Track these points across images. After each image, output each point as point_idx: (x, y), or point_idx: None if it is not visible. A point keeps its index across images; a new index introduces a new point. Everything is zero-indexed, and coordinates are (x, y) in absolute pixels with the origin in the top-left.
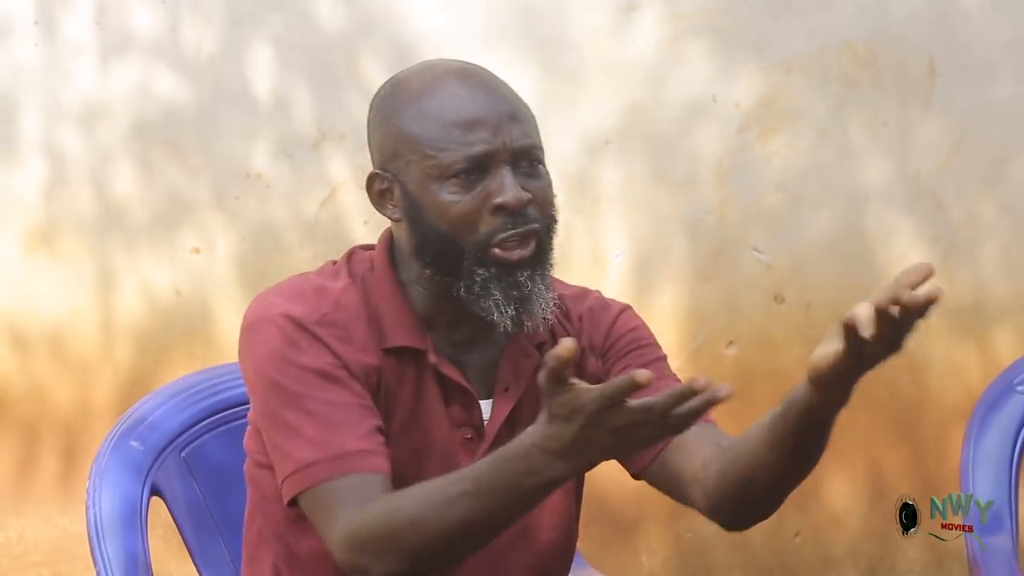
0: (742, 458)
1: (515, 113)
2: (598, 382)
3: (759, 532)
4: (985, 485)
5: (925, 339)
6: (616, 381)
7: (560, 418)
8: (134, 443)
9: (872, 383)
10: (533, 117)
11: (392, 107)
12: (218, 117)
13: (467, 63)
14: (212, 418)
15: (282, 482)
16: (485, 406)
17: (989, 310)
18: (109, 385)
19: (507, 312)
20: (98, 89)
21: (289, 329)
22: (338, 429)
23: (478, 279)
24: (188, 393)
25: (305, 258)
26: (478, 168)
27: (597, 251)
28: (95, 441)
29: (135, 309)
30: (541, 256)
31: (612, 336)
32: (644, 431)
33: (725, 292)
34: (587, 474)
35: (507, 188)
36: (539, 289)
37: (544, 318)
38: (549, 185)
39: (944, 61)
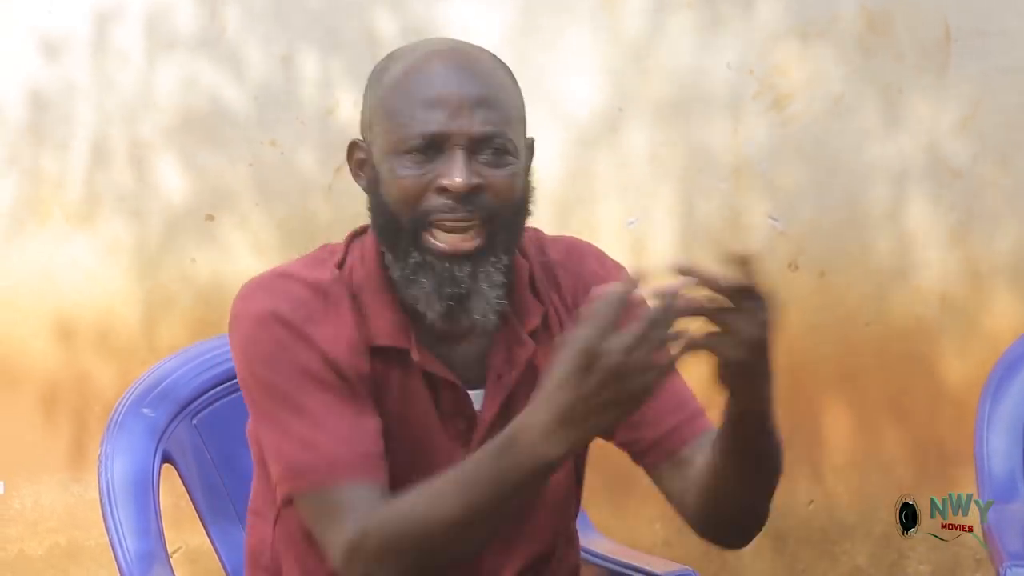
0: (706, 472)
1: (485, 98)
2: None
3: (773, 500)
4: (1000, 449)
5: (940, 306)
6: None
7: (580, 370)
8: (146, 410)
9: (890, 352)
10: (513, 106)
11: (378, 79)
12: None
13: (465, 44)
14: (224, 385)
15: (277, 482)
16: (477, 396)
17: (1005, 277)
18: (146, 365)
19: (435, 306)
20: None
21: (276, 328)
22: (331, 432)
23: (411, 262)
24: (199, 360)
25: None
26: (433, 147)
27: (613, 219)
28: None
29: (175, 289)
30: (489, 251)
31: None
32: (643, 377)
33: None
34: (603, 441)
35: (453, 171)
36: (480, 288)
37: (486, 317)
38: (514, 176)
39: (960, 27)
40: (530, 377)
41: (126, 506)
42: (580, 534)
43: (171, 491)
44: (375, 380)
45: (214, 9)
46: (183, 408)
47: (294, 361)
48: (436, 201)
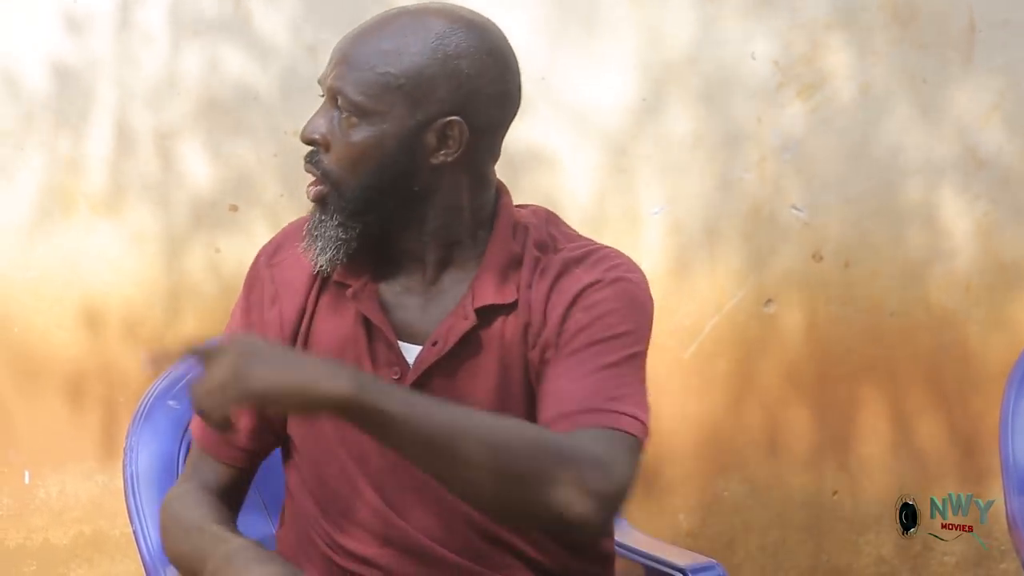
0: None
1: (347, 55)
2: (542, 363)
3: (797, 490)
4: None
5: (966, 296)
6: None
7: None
8: (172, 402)
9: (915, 343)
10: (382, 71)
11: None
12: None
13: (417, 7)
14: None
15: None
16: (412, 351)
17: None
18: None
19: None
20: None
21: (250, 270)
22: None
23: None
24: None
25: None
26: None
27: (634, 209)
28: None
29: (200, 279)
30: (321, 208)
31: (567, 319)
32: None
33: (763, 250)
34: None
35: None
36: (314, 237)
37: (321, 268)
38: (354, 138)
39: (984, 17)
40: (469, 351)
41: (150, 498)
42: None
43: None
44: (321, 313)
45: None
46: None
47: (233, 320)
48: None
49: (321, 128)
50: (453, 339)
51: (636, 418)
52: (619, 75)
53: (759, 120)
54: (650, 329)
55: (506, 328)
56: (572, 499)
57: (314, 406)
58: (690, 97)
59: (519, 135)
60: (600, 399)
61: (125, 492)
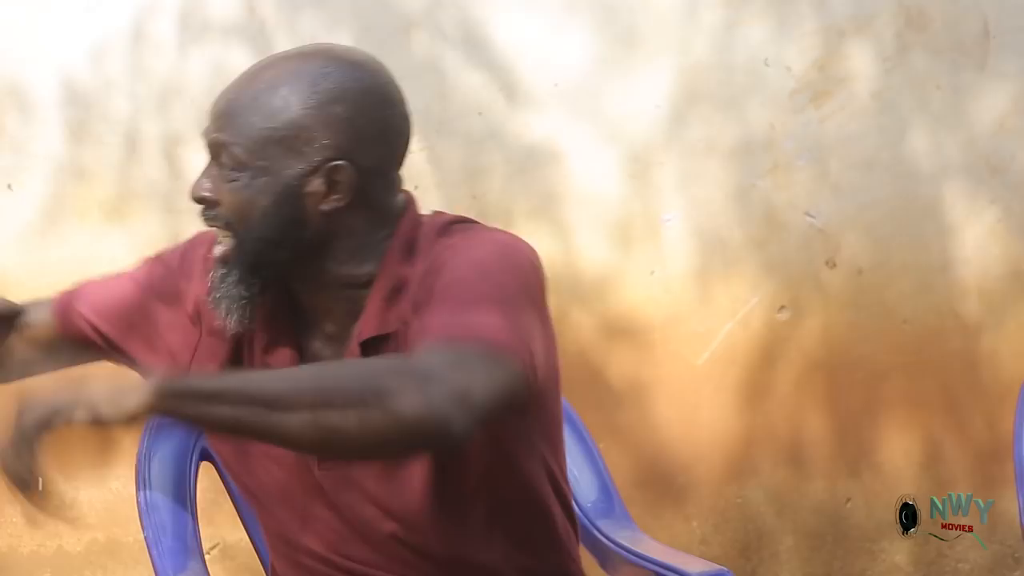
0: None
1: (225, 110)
2: None
3: (810, 498)
4: None
5: (979, 303)
6: None
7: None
8: None
9: (928, 350)
10: (254, 123)
11: None
12: None
13: (283, 55)
14: None
15: None
16: None
17: None
18: None
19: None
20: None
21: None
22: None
23: None
24: None
25: None
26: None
27: (649, 216)
28: None
29: None
30: (228, 263)
31: (427, 296)
32: None
33: (777, 257)
34: (641, 438)
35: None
36: (220, 295)
37: (232, 325)
38: (240, 193)
39: (999, 23)
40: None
41: (162, 504)
42: (619, 529)
43: (209, 487)
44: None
45: (250, 2)
46: None
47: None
48: None
49: (207, 186)
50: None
51: (494, 335)
52: (635, 82)
53: (773, 127)
54: (524, 283)
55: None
56: (397, 404)
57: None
58: (705, 104)
59: (536, 143)
60: (452, 318)
61: (137, 498)
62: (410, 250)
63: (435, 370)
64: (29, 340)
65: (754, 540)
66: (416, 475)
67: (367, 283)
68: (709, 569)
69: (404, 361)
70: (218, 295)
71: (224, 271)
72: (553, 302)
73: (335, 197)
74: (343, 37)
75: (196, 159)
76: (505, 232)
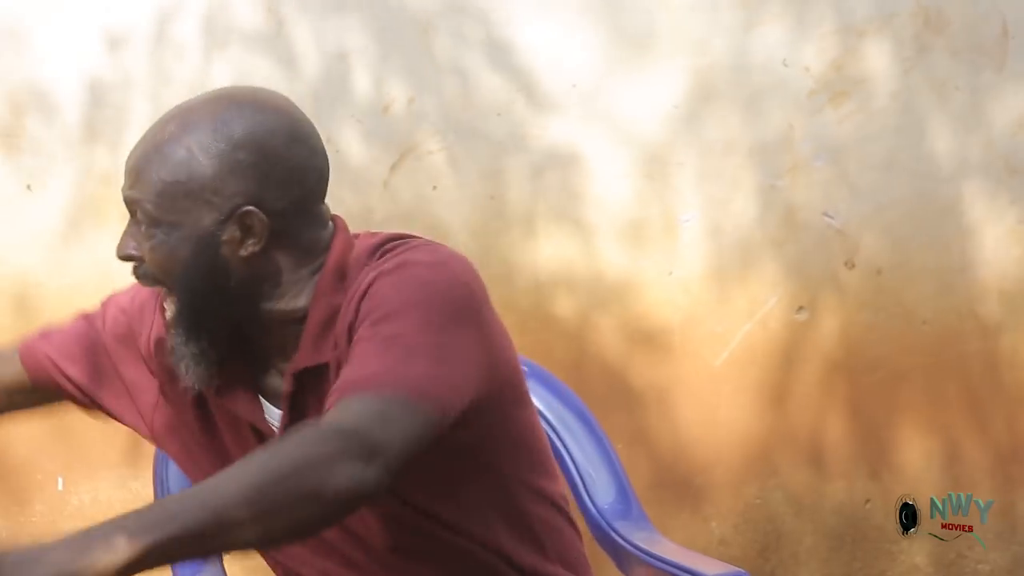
0: None
1: (136, 168)
2: None
3: (830, 499)
4: None
5: (999, 304)
6: None
7: None
8: None
9: (947, 351)
10: (163, 178)
11: None
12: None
13: (200, 98)
14: None
15: None
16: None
17: None
18: None
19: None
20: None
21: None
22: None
23: None
24: None
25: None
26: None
27: (667, 216)
28: None
29: None
30: (175, 322)
31: (350, 325)
32: None
33: (795, 257)
34: (659, 439)
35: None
36: (179, 356)
37: (192, 384)
38: (158, 249)
39: (1018, 24)
40: (303, 415)
41: None
42: (636, 531)
43: None
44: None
45: (271, 5)
46: None
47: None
48: None
49: (130, 244)
50: (285, 407)
51: (406, 383)
52: (652, 82)
53: (791, 127)
54: (440, 300)
55: (328, 384)
56: (334, 478)
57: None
58: (723, 104)
59: (553, 143)
60: (366, 371)
61: (155, 499)
62: (341, 277)
63: (350, 431)
64: None
65: (773, 541)
66: (368, 526)
67: (303, 317)
68: (726, 571)
69: (311, 434)
70: (176, 356)
71: (174, 333)
72: (571, 302)
73: (251, 242)
74: (363, 41)
75: None
76: (435, 249)
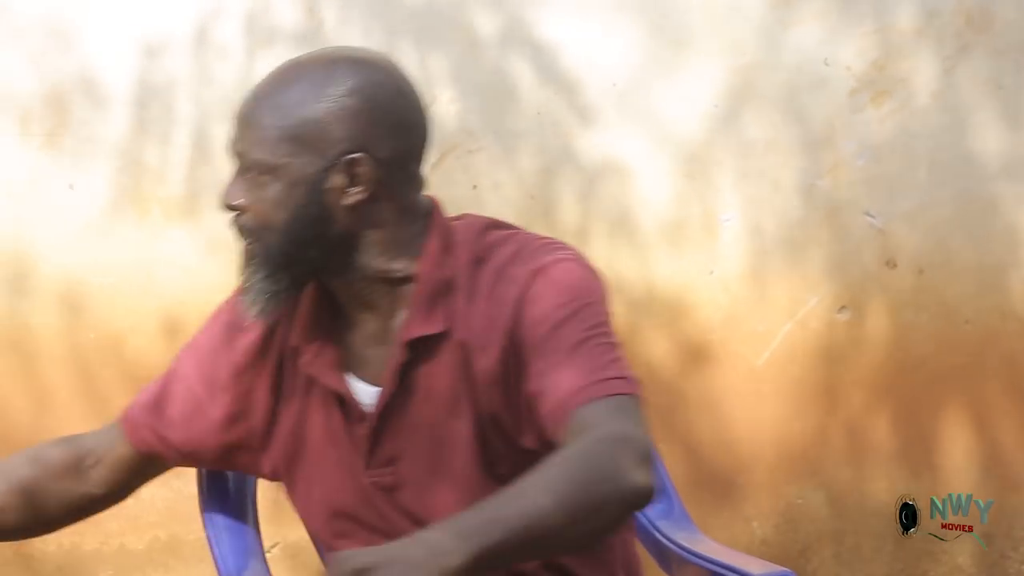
0: None
1: (245, 117)
2: (494, 382)
3: (872, 499)
4: None
5: None
6: None
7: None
8: None
9: (990, 351)
10: (272, 126)
11: None
12: None
13: (303, 58)
14: None
15: None
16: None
17: None
18: None
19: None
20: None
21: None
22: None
23: None
24: None
25: None
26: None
27: (708, 216)
28: None
29: None
30: (250, 261)
31: (518, 323)
32: None
33: (837, 257)
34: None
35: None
36: (246, 290)
37: (254, 318)
38: (265, 198)
39: None
40: (413, 385)
41: (223, 502)
42: (678, 530)
43: (270, 486)
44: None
45: (312, 5)
46: None
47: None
48: None
49: (236, 193)
50: (390, 377)
51: (621, 377)
52: (692, 82)
53: (833, 126)
54: (599, 295)
55: (442, 356)
56: (631, 482)
57: None
58: (763, 103)
59: (592, 143)
60: (584, 377)
61: (199, 497)
62: (447, 248)
63: (627, 445)
64: (104, 471)
65: (814, 541)
66: (448, 490)
67: (403, 280)
68: (770, 570)
69: (596, 440)
70: (245, 289)
71: (249, 270)
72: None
73: (357, 190)
74: (405, 42)
75: None
76: (552, 243)
